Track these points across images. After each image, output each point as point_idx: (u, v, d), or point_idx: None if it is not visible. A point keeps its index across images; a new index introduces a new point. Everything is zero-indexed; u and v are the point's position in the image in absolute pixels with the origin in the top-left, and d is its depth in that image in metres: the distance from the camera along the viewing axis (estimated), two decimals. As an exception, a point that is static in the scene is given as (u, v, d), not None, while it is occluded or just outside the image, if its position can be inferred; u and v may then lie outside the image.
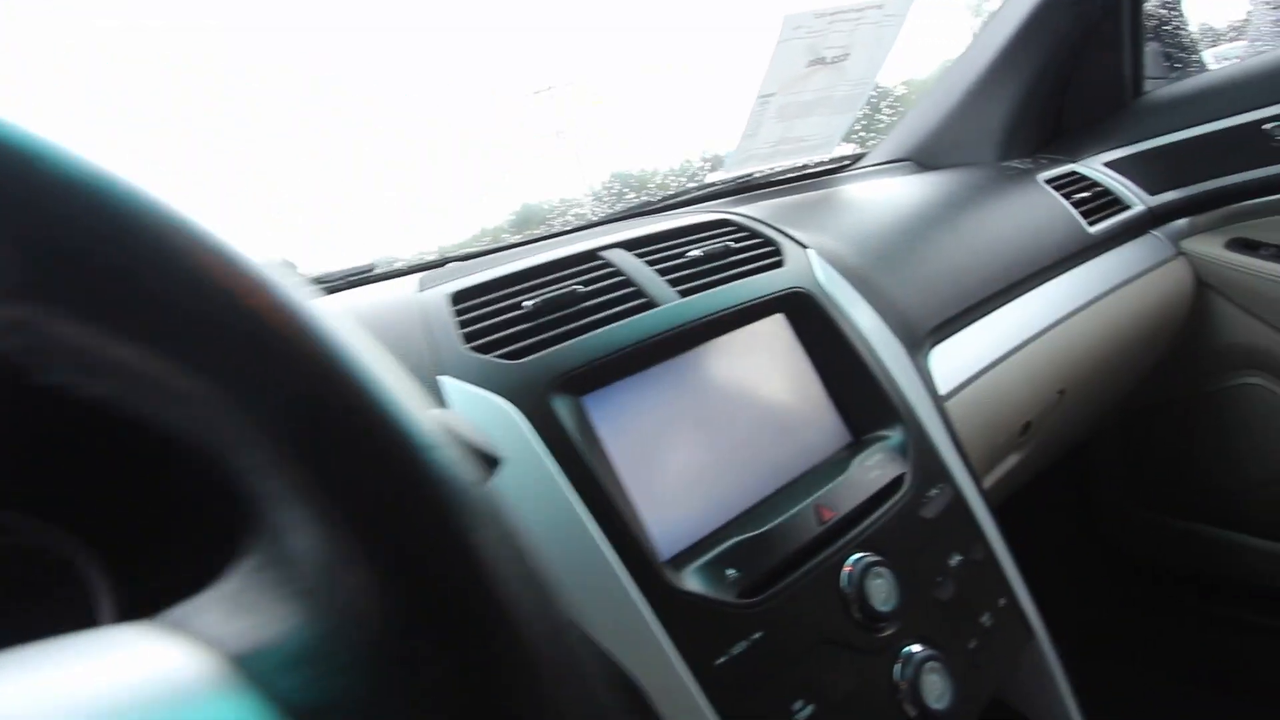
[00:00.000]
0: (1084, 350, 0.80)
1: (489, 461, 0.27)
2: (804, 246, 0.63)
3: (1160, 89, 1.03)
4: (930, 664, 0.43)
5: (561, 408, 0.43)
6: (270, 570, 0.14)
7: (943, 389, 0.64)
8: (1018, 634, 0.50)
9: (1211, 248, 0.96)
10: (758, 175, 1.04)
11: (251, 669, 0.12)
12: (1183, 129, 0.96)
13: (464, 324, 0.47)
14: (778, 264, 0.59)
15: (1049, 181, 0.94)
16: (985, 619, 0.48)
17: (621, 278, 0.52)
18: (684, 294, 0.52)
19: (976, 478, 0.56)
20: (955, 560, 0.49)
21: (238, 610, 0.14)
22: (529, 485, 0.40)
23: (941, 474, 0.52)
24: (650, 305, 0.50)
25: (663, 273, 0.54)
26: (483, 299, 0.50)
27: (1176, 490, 1.12)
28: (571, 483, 0.40)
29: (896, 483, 0.49)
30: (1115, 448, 1.17)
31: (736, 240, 0.60)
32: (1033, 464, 0.83)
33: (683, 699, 0.37)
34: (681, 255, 0.56)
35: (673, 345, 0.49)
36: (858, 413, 0.54)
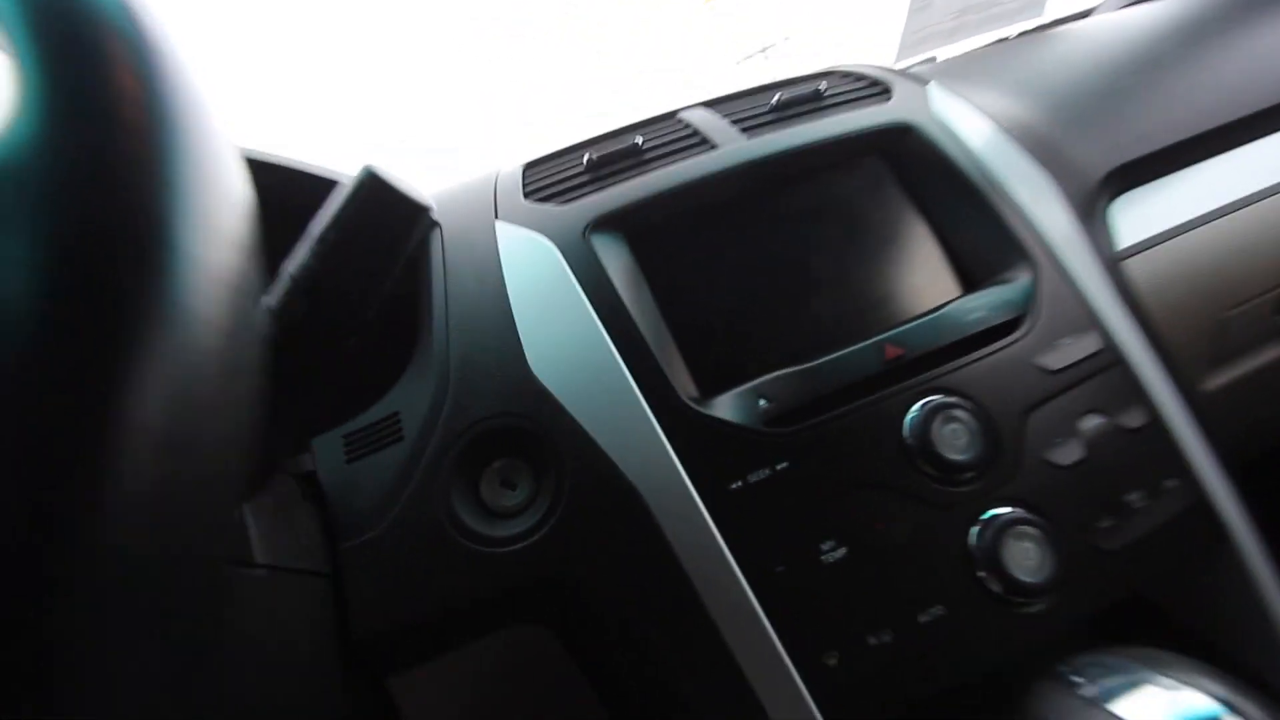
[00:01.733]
0: None
1: (416, 208, 0.28)
2: (924, 83, 0.53)
3: None
4: (1023, 528, 0.34)
5: (599, 244, 0.43)
6: None
7: (1125, 242, 0.50)
8: (1192, 528, 0.37)
9: None
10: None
11: None
12: None
13: (528, 182, 0.49)
14: (883, 99, 0.51)
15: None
16: (1133, 497, 0.36)
17: (689, 130, 0.50)
18: (750, 135, 0.47)
19: (1160, 341, 0.43)
20: (1092, 422, 0.38)
21: None
22: (561, 315, 0.41)
23: (1087, 323, 0.40)
24: (710, 148, 0.47)
25: (735, 121, 0.50)
26: (552, 163, 0.51)
27: None
28: (598, 314, 0.40)
29: (1009, 326, 0.40)
30: None
31: (833, 84, 0.53)
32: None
33: (691, 522, 0.35)
34: (764, 105, 0.52)
35: (730, 185, 0.45)
36: (973, 259, 0.45)
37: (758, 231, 0.46)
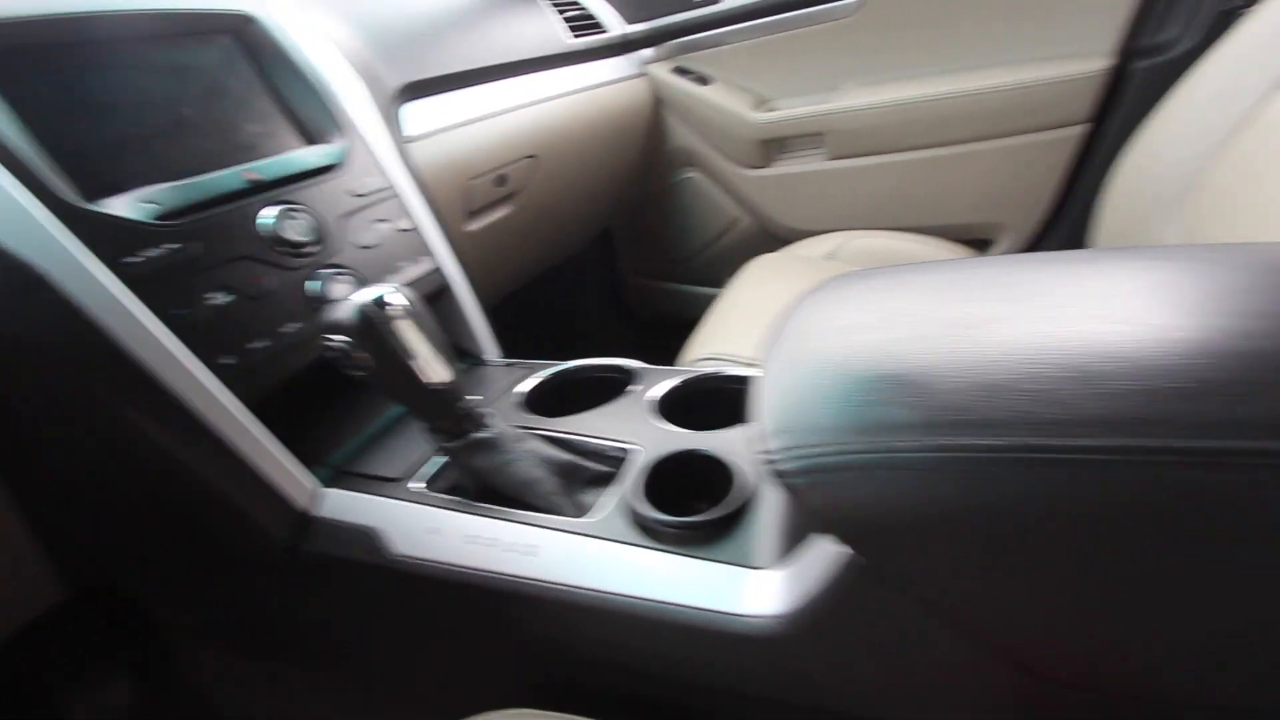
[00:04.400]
0: (554, 129, 1.06)
1: None
2: None
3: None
4: (341, 277, 0.61)
5: None
6: None
7: (411, 132, 0.82)
8: (436, 280, 0.72)
9: (663, 71, 1.32)
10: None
11: None
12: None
13: None
14: None
15: (551, 2, 1.16)
16: (403, 264, 0.68)
17: None
18: None
19: (423, 186, 0.75)
20: (384, 225, 0.67)
21: None
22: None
23: (377, 171, 0.69)
24: None
25: None
26: None
27: (656, 260, 1.57)
28: None
29: (333, 168, 0.65)
30: (625, 232, 1.57)
31: None
32: (528, 223, 1.09)
33: (99, 287, 0.47)
34: None
35: (94, 30, 0.54)
36: (310, 126, 0.67)
37: (126, 76, 0.56)
